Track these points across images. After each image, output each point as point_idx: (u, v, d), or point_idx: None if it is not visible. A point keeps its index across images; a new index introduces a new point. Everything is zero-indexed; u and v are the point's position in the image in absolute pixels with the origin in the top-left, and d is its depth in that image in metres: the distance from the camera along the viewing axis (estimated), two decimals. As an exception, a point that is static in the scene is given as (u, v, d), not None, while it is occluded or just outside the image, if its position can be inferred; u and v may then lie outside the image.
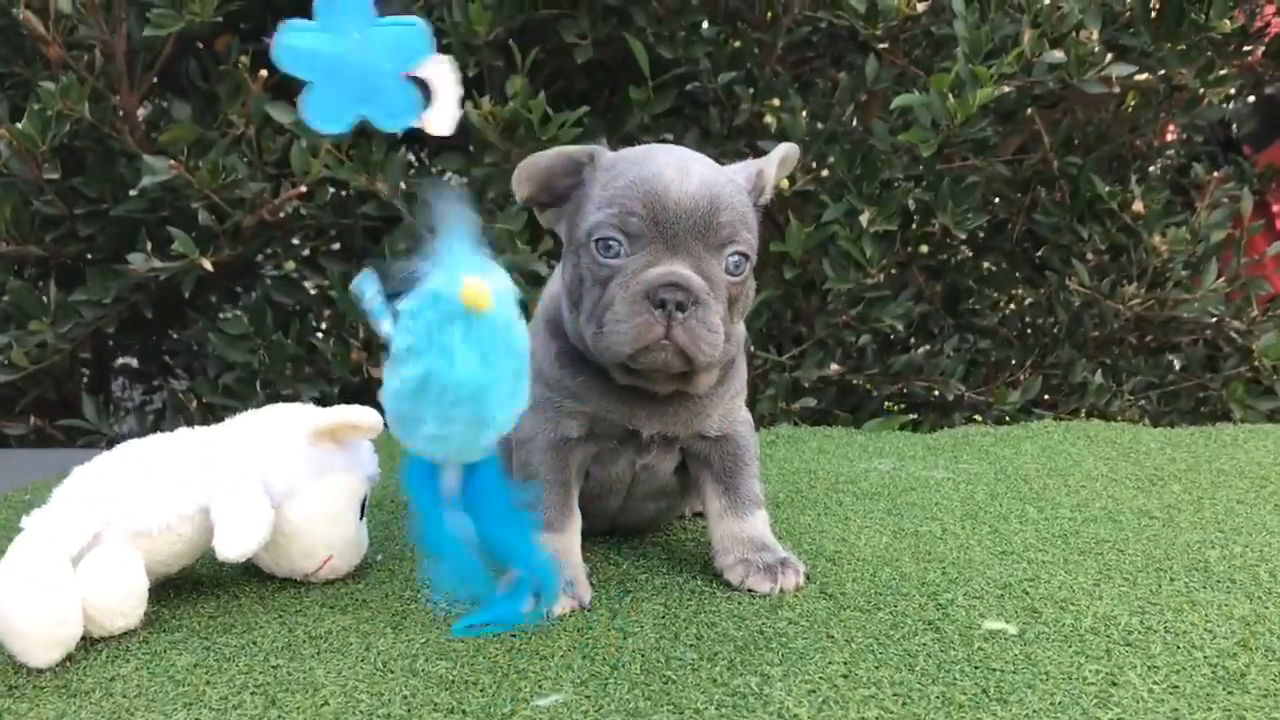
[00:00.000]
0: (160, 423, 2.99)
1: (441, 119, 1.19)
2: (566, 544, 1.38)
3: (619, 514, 1.52)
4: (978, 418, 2.77)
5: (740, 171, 1.35)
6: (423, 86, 1.18)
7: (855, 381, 2.89)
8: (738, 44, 2.78)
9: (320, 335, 2.73)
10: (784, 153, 1.40)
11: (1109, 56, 2.41)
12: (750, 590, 1.36)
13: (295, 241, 2.72)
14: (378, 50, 1.17)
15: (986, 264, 3.14)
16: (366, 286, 1.15)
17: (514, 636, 1.23)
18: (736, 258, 1.28)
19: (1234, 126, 3.78)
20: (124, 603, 1.26)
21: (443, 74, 1.19)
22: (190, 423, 2.31)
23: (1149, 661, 1.14)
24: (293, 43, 1.15)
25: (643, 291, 1.23)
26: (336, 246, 2.87)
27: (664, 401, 1.37)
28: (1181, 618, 1.25)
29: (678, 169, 1.26)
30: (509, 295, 1.13)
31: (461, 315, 1.08)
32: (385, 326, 1.14)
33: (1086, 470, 1.91)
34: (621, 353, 1.25)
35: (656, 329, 1.23)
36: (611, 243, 1.26)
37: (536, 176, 1.33)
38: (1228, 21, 2.42)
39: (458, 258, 1.11)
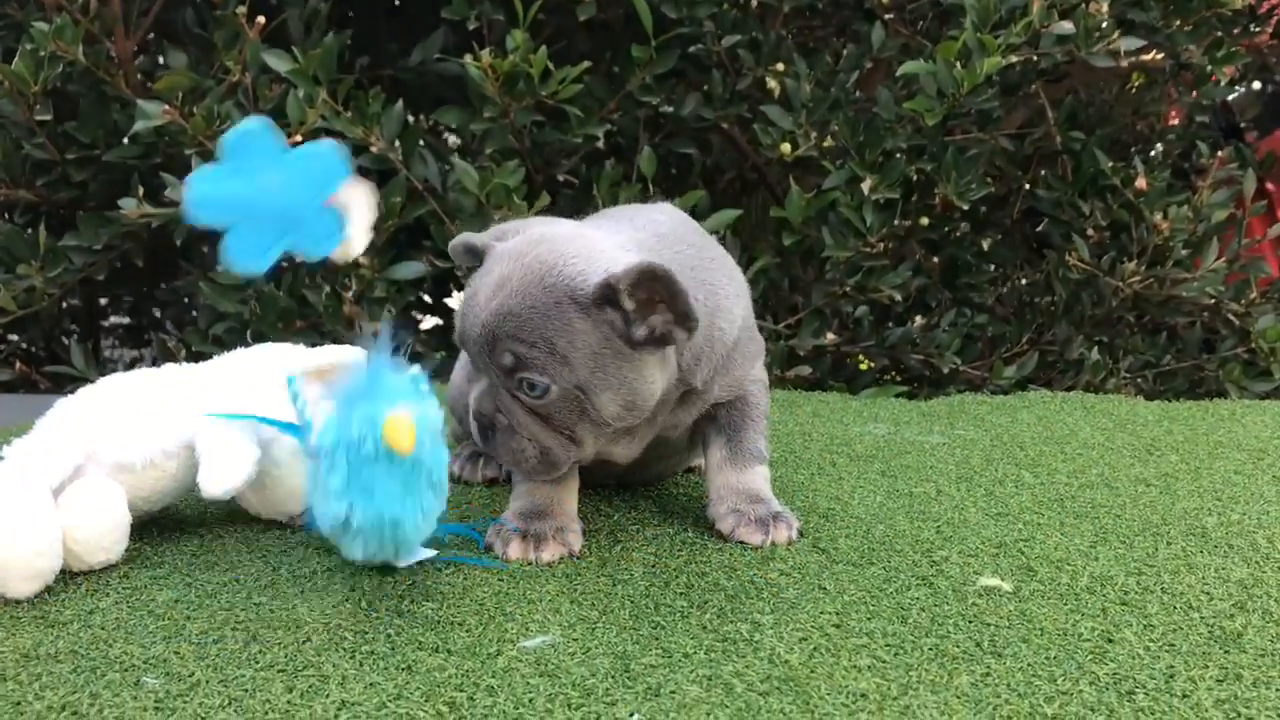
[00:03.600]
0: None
1: (358, 242, 1.20)
2: (560, 494, 1.36)
3: (625, 473, 1.50)
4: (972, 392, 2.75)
5: (593, 279, 1.18)
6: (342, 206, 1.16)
7: (850, 359, 2.88)
8: (750, 2, 2.74)
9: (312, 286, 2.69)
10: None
11: (1117, 32, 2.39)
12: (741, 541, 1.34)
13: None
14: (295, 182, 1.14)
15: (985, 240, 3.13)
16: (296, 387, 1.18)
17: (501, 581, 1.22)
18: (527, 385, 1.20)
19: (1236, 113, 3.76)
20: (105, 536, 1.24)
21: (359, 197, 1.18)
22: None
23: (1145, 620, 1.12)
24: (205, 191, 1.11)
25: (465, 406, 1.31)
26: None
27: None
28: (1178, 579, 1.24)
29: (493, 289, 1.20)
30: (433, 423, 1.14)
31: (384, 456, 1.09)
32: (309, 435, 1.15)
33: (1083, 439, 1.90)
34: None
35: (483, 442, 1.28)
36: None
37: (454, 253, 1.36)
38: (1237, -2, 2.40)
39: (382, 388, 1.11)
